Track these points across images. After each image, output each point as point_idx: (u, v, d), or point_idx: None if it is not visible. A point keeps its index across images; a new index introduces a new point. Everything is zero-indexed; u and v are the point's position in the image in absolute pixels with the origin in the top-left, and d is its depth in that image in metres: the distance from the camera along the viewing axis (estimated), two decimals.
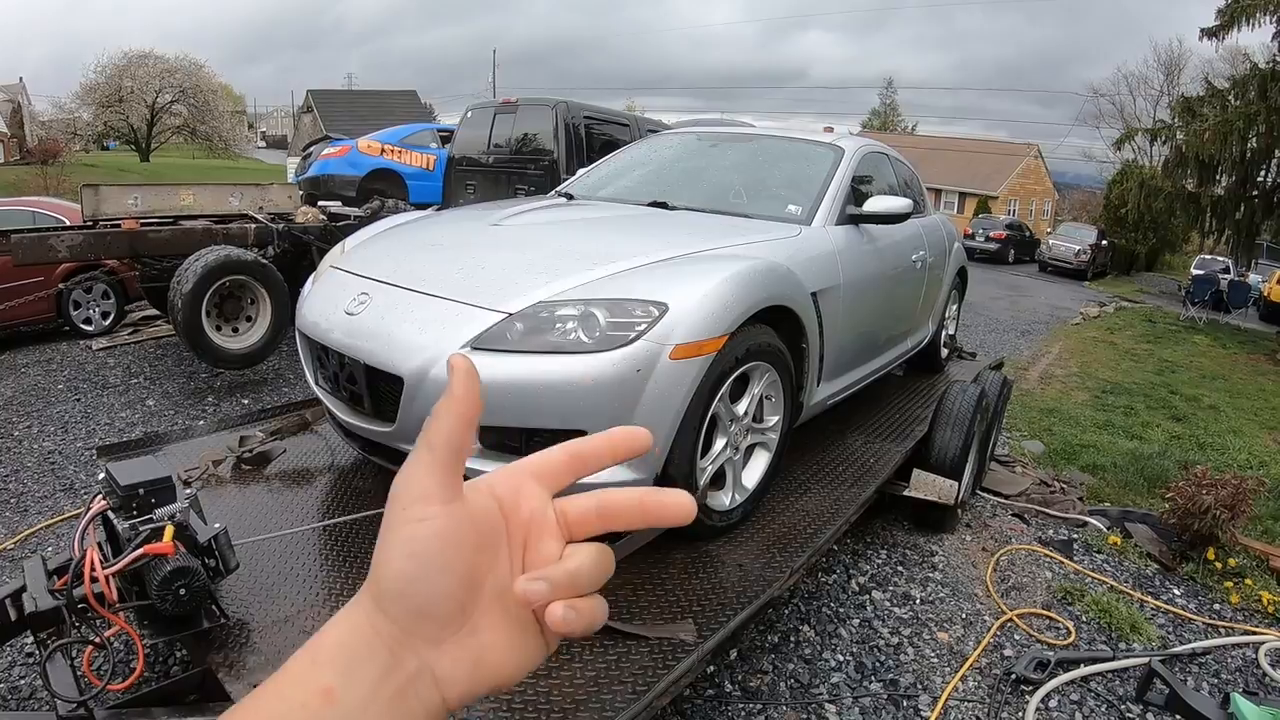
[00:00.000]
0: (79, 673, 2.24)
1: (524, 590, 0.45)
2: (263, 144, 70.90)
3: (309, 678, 0.42)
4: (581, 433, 2.42)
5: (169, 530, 2.23)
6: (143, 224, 6.87)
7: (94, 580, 2.18)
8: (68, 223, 7.95)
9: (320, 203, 9.97)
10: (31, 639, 2.47)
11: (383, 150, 11.99)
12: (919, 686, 3.20)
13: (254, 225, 7.07)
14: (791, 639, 3.41)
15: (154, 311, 8.35)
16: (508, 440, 2.41)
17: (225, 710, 0.42)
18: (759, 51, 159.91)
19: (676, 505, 0.48)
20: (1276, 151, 17.70)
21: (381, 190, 11.05)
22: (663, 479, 2.45)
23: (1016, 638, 3.67)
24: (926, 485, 4.05)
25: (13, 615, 2.33)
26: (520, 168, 8.91)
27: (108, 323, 8.11)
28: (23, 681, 2.98)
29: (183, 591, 2.15)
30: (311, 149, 13.02)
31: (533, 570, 0.46)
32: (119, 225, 6.72)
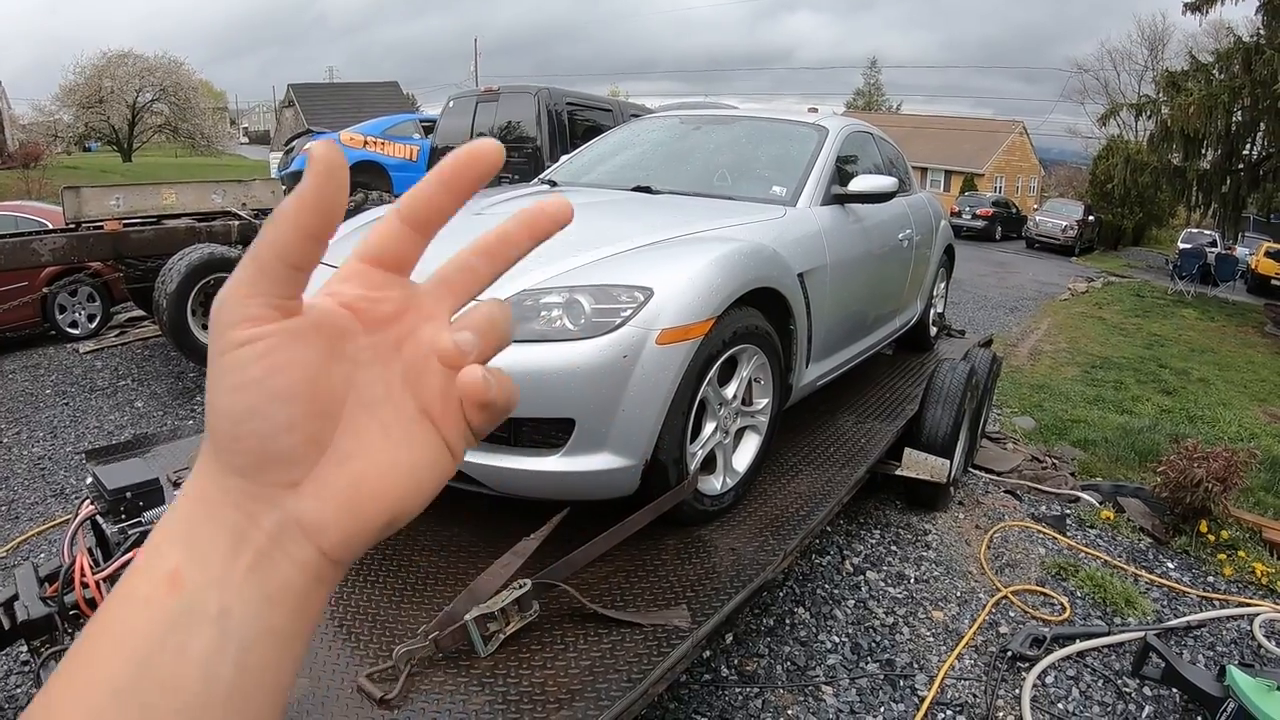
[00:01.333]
0: None
1: (456, 342, 0.39)
2: (245, 140, 70.46)
3: (151, 565, 0.35)
4: (570, 421, 2.42)
5: None
6: (125, 225, 6.82)
7: (85, 586, 2.17)
8: (50, 226, 7.88)
9: None
10: (26, 647, 2.46)
11: (365, 143, 11.93)
12: (915, 666, 3.21)
13: (237, 222, 7.04)
14: (787, 622, 3.41)
15: (140, 313, 8.31)
16: (495, 430, 2.40)
17: None
18: (744, 34, 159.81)
19: (555, 206, 0.42)
20: (1261, 124, 17.77)
21: (365, 183, 11.00)
22: (652, 465, 2.43)
23: (1011, 615, 3.67)
24: (918, 464, 4.05)
25: (6, 624, 2.32)
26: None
27: (94, 325, 8.06)
28: (19, 691, 2.97)
29: None
30: (294, 143, 12.97)
31: (414, 356, 0.40)
32: (101, 227, 6.67)
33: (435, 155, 9.80)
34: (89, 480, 2.47)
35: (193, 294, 5.93)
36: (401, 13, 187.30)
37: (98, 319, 8.10)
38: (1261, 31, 17.65)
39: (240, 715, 0.35)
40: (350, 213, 5.77)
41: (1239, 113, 17.86)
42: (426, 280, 0.42)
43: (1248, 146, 19.31)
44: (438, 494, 0.41)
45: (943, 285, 5.91)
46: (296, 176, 11.48)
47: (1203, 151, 19.52)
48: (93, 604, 2.16)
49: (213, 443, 0.36)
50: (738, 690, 2.97)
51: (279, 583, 0.36)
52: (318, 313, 0.38)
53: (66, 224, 6.93)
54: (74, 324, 7.95)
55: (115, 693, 0.33)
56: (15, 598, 2.32)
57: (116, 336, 7.98)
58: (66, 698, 0.34)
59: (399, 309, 0.40)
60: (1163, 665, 3.05)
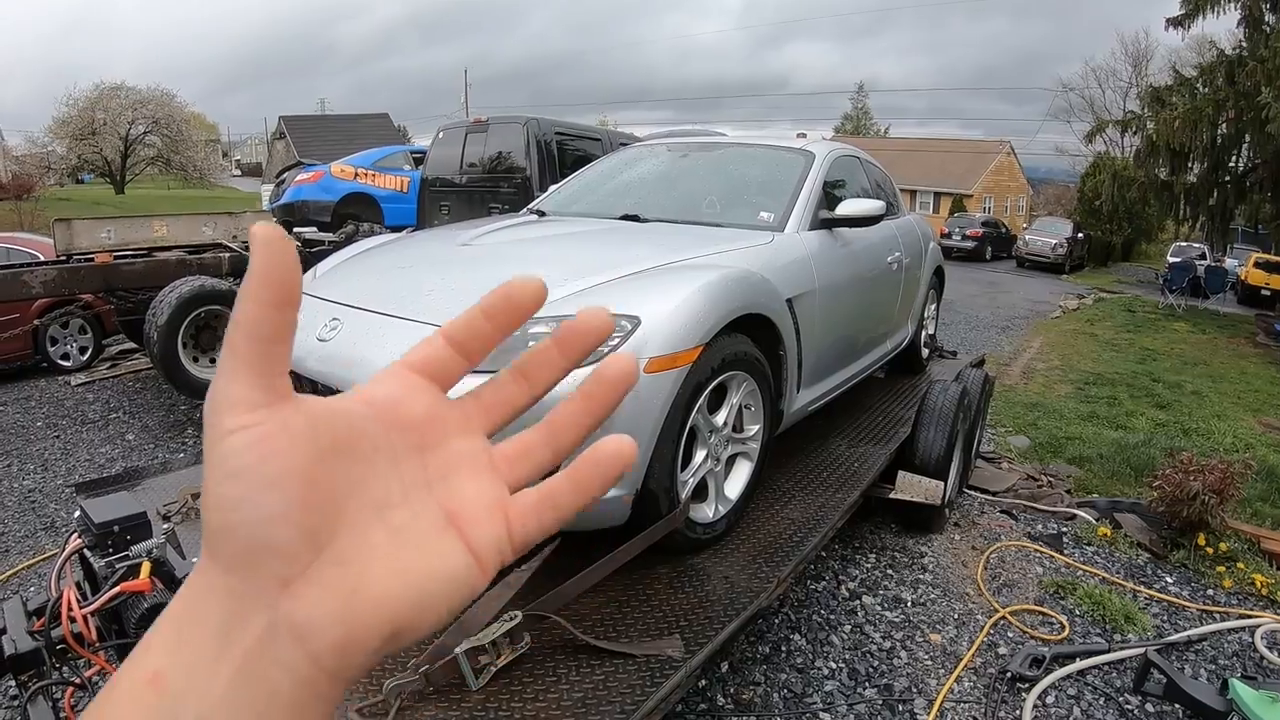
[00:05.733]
0: (61, 715, 2.20)
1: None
2: (238, 172, 70.75)
3: (137, 664, 0.34)
4: None
5: (145, 567, 2.21)
6: (116, 257, 6.82)
7: (72, 620, 2.16)
8: (42, 258, 7.89)
9: (295, 229, 9.93)
10: (14, 681, 2.44)
11: (356, 174, 11.97)
12: (914, 690, 3.19)
13: (228, 254, 7.04)
14: (783, 649, 3.39)
15: (131, 345, 8.30)
16: None
17: None
18: (744, 61, 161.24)
19: (589, 323, 0.43)
20: (1246, 136, 17.90)
21: (356, 214, 11.03)
22: (643, 494, 2.42)
23: (1010, 635, 3.66)
24: (912, 486, 4.04)
25: None
26: (493, 186, 8.91)
27: (85, 358, 8.06)
28: None
29: None
30: (285, 175, 13.01)
31: (443, 482, 0.40)
32: (92, 259, 6.67)
33: (425, 186, 9.84)
34: (77, 514, 2.45)
35: (183, 326, 5.92)
36: (401, 46, 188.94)
37: (89, 351, 8.10)
38: (1243, 44, 17.83)
39: None
40: (342, 243, 5.77)
41: (1223, 125, 17.98)
42: (462, 395, 0.43)
43: (1233, 158, 19.43)
44: (459, 607, 0.39)
45: (933, 307, 5.92)
46: (288, 209, 11.58)
47: (1189, 165, 19.63)
48: (79, 638, 2.14)
49: (206, 537, 0.35)
50: (734, 719, 2.95)
51: (265, 692, 0.33)
52: (321, 406, 0.37)
53: (58, 256, 6.93)
54: (66, 356, 7.94)
55: None
56: (3, 632, 2.30)
57: (108, 369, 7.97)
58: None
59: (427, 416, 0.40)
60: (1164, 681, 3.04)
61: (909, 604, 3.82)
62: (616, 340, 2.32)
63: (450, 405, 0.42)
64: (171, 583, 2.24)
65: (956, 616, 3.75)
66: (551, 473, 0.43)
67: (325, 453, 0.36)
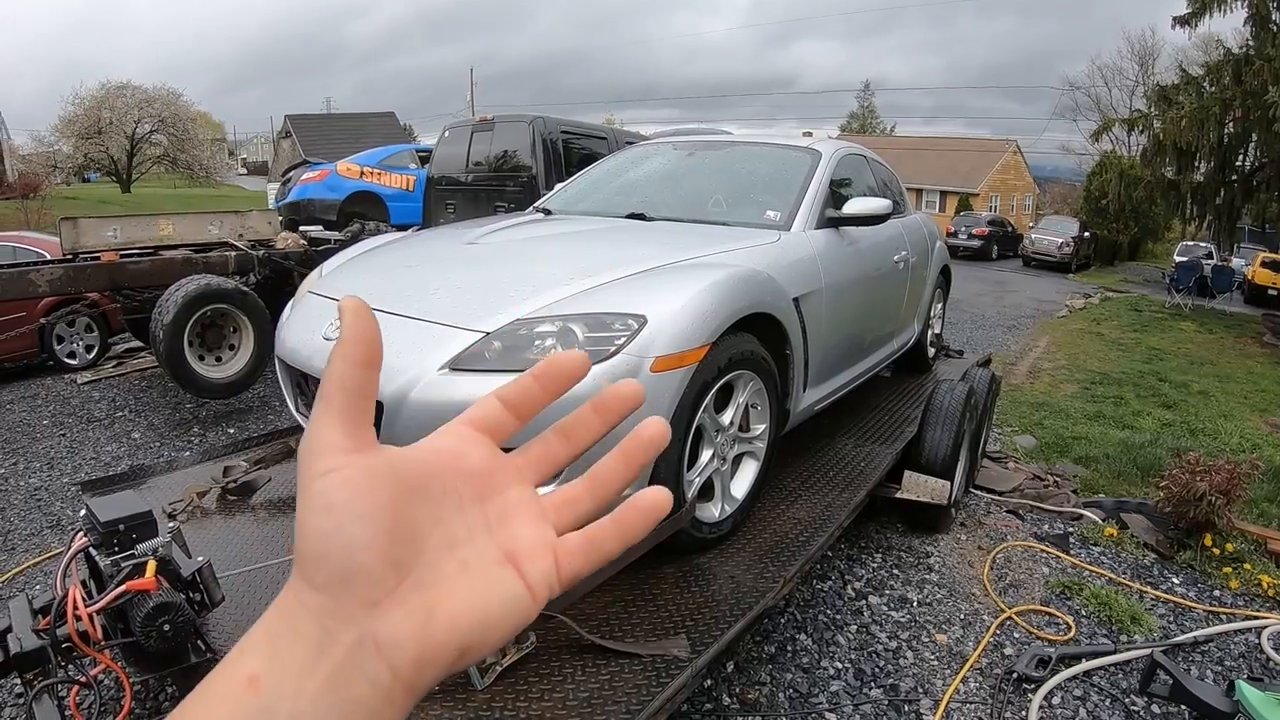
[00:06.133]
0: (66, 713, 2.21)
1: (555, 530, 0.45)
2: (243, 171, 70.78)
3: (233, 668, 0.38)
4: None
5: (151, 565, 2.21)
6: (122, 256, 6.82)
7: (77, 619, 2.16)
8: (49, 257, 7.90)
9: (301, 228, 9.93)
10: (19, 680, 2.44)
11: (362, 173, 11.97)
12: (920, 690, 3.18)
13: (234, 253, 7.03)
14: (789, 648, 3.38)
15: (137, 343, 8.31)
16: None
17: None
18: (751, 60, 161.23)
19: (625, 390, 0.48)
20: (1253, 135, 17.82)
21: (362, 213, 11.02)
22: None
23: (1016, 636, 3.64)
24: (918, 486, 4.03)
25: (0, 656, 2.30)
26: (499, 185, 8.89)
27: (91, 356, 8.06)
28: None
29: (167, 627, 2.12)
30: (291, 174, 13.01)
31: (501, 526, 0.45)
32: (98, 258, 6.67)
33: (431, 185, 9.83)
34: (83, 512, 2.46)
35: (189, 325, 5.92)
36: (407, 45, 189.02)
37: (95, 350, 8.10)
38: (1250, 42, 17.75)
39: None
40: (348, 242, 5.77)
41: (1230, 124, 17.90)
42: (514, 451, 0.48)
43: (1240, 157, 19.37)
44: (514, 632, 0.43)
45: (940, 306, 5.91)
46: (294, 207, 11.57)
47: (1196, 164, 19.55)
48: (85, 637, 2.14)
49: (299, 561, 0.39)
50: (740, 719, 2.95)
51: (351, 698, 0.37)
52: (401, 454, 0.42)
53: (64, 255, 6.94)
54: (72, 354, 7.95)
55: None
56: (9, 630, 2.30)
57: (114, 367, 7.98)
58: None
59: (484, 467, 0.45)
60: (1170, 682, 3.02)
61: (915, 604, 3.81)
62: (623, 339, 2.32)
63: (504, 459, 0.47)
64: (177, 581, 2.23)
65: (962, 617, 3.74)
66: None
67: (404, 493, 0.41)
